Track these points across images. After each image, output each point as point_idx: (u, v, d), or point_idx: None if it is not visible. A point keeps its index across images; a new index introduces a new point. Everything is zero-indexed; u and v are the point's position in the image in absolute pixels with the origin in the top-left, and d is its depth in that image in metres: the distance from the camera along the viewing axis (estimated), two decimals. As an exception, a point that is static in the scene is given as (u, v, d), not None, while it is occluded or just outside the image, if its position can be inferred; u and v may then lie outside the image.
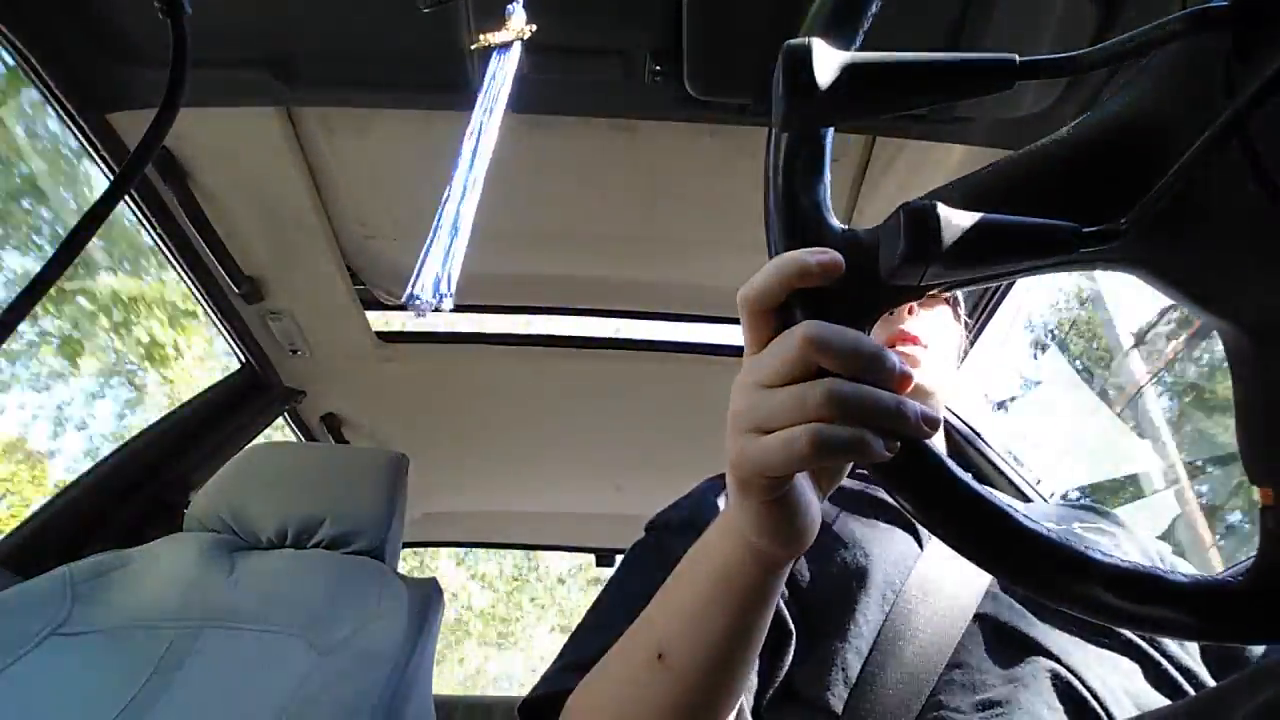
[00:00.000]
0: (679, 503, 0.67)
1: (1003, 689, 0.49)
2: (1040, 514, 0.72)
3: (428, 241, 0.54)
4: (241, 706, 0.91)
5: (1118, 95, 0.29)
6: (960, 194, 0.30)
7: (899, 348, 0.71)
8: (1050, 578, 0.29)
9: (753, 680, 0.53)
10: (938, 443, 0.30)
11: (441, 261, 0.54)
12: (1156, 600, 0.27)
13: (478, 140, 0.57)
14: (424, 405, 1.72)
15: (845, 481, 0.69)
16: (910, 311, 0.72)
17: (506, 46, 0.60)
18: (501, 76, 0.59)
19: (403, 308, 1.54)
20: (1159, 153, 0.27)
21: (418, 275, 0.53)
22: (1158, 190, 0.24)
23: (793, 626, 0.55)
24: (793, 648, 0.54)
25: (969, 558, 0.30)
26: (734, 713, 0.44)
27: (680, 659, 0.42)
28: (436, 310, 0.53)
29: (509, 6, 0.61)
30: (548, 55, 0.91)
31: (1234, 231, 0.26)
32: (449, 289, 0.53)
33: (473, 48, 0.61)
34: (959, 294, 0.80)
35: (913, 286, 0.29)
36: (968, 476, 0.30)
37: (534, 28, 0.61)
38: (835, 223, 0.32)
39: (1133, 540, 0.67)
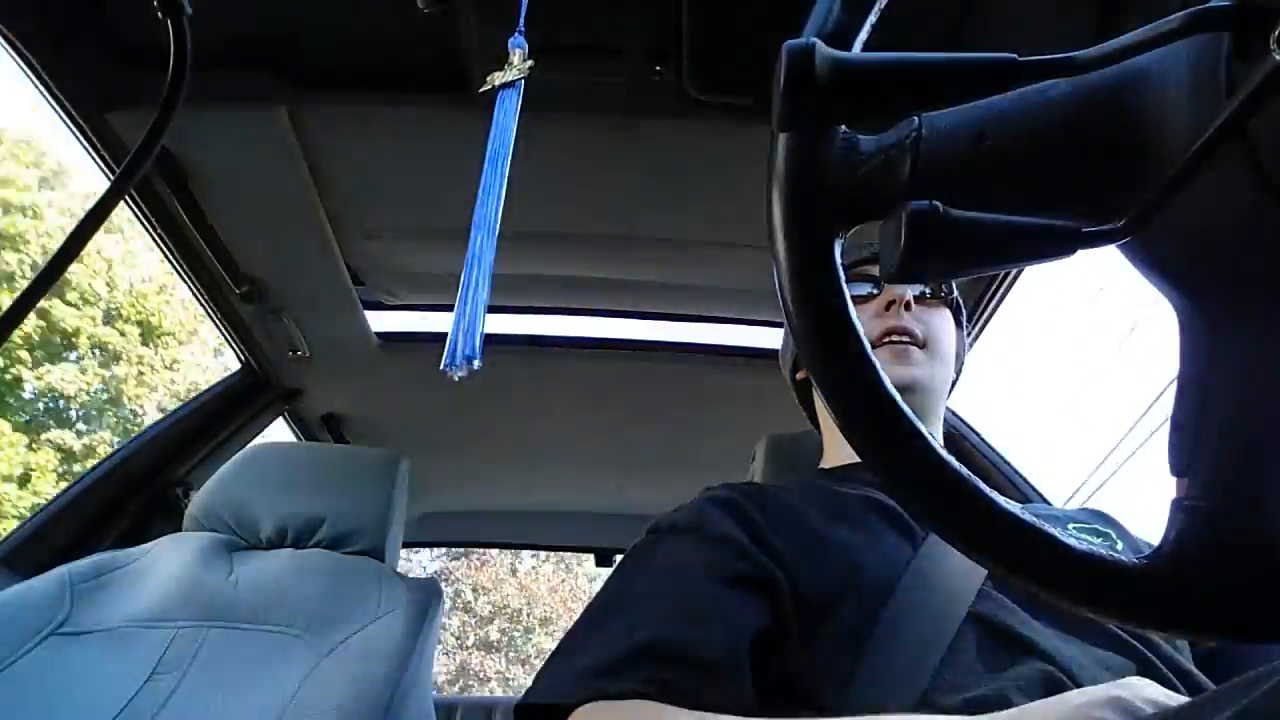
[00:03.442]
0: (680, 510, 0.66)
1: (995, 687, 0.49)
2: (1033, 512, 0.72)
3: (458, 303, 0.58)
4: (241, 706, 0.91)
5: (1123, 64, 0.29)
6: (956, 126, 0.30)
7: (893, 342, 0.71)
8: (946, 505, 0.29)
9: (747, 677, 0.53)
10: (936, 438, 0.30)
11: (471, 320, 0.56)
12: (1047, 560, 0.28)
13: (489, 194, 0.59)
14: (424, 405, 1.72)
15: (841, 485, 0.69)
16: (908, 307, 0.73)
17: (512, 85, 0.61)
18: (506, 118, 0.61)
19: (403, 308, 1.54)
20: (1158, 145, 0.27)
21: (452, 340, 0.57)
22: (1157, 192, 0.24)
23: (795, 626, 0.55)
24: (789, 646, 0.55)
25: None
26: None
27: None
28: (470, 370, 0.57)
29: (511, 41, 0.62)
30: (548, 55, 0.91)
31: (1231, 230, 0.26)
32: (476, 347, 0.57)
33: (480, 90, 0.62)
34: (959, 299, 0.81)
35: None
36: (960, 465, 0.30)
37: (531, 64, 0.62)
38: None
39: (1129, 541, 0.67)
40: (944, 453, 0.29)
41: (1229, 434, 0.27)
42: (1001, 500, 0.28)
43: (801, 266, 0.31)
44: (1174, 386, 0.29)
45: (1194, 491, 0.28)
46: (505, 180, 0.60)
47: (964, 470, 0.29)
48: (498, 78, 0.61)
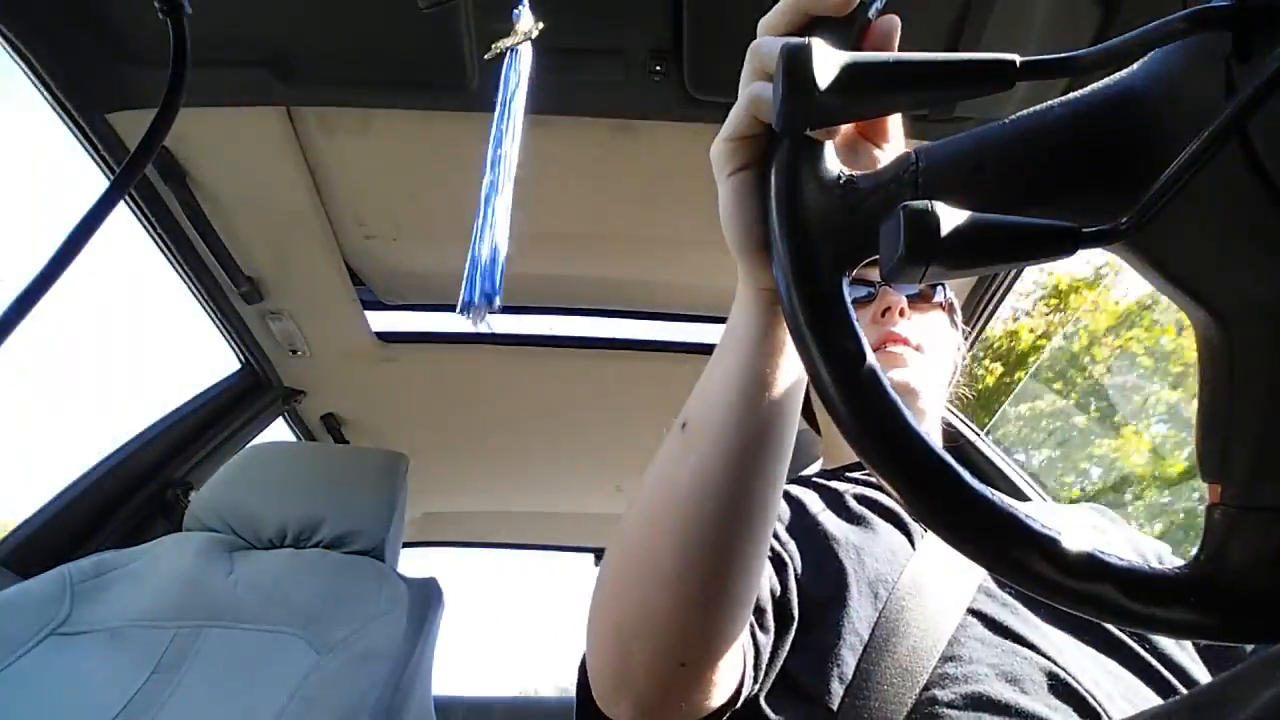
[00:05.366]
0: None
1: (995, 683, 0.50)
2: (1035, 511, 0.72)
3: (472, 247, 0.53)
4: (241, 706, 0.91)
5: (1118, 78, 0.29)
6: (954, 158, 0.30)
7: (889, 348, 0.71)
8: (985, 539, 0.28)
9: (750, 673, 0.53)
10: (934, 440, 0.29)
11: (489, 263, 0.53)
12: (1089, 577, 0.27)
13: (500, 145, 0.57)
14: (424, 405, 1.72)
15: (841, 483, 0.69)
16: (902, 313, 0.73)
17: (517, 49, 0.60)
18: (515, 78, 0.59)
19: (403, 308, 1.54)
20: (1158, 147, 0.27)
21: (467, 283, 0.52)
22: (1156, 192, 0.24)
23: (796, 612, 0.55)
24: (792, 635, 0.55)
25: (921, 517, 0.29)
26: (766, 491, 0.43)
27: (699, 423, 0.43)
28: (490, 312, 0.52)
29: (515, 10, 0.61)
30: (548, 55, 0.91)
31: (1231, 230, 0.26)
32: (496, 288, 0.52)
33: (486, 57, 0.61)
34: (955, 301, 0.80)
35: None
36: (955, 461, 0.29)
37: (541, 25, 0.61)
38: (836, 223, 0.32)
39: (1128, 538, 0.67)
40: (985, 489, 0.28)
41: (1260, 434, 0.27)
42: (1043, 527, 0.28)
43: (812, 312, 0.31)
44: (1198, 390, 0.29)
45: (1230, 496, 0.27)
46: (519, 132, 0.57)
47: (1012, 506, 0.28)
48: (504, 43, 0.60)
